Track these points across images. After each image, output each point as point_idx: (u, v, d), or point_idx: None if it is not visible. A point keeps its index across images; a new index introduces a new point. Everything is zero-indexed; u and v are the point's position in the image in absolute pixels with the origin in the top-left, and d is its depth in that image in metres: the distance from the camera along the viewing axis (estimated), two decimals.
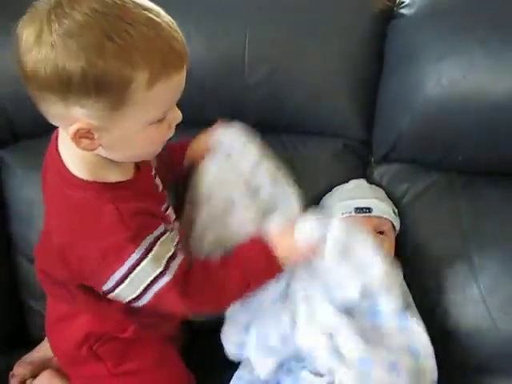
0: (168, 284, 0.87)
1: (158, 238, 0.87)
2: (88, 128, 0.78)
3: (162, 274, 0.86)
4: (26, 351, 1.17)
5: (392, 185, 1.26)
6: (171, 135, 0.88)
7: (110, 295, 0.88)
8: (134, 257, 0.84)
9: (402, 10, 1.25)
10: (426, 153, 1.24)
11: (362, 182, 1.23)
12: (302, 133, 1.26)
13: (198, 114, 1.24)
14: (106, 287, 0.87)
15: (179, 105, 0.87)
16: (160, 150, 0.90)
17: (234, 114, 1.24)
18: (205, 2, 1.24)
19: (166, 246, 0.88)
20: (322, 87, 1.24)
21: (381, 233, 1.14)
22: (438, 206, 1.23)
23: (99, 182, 0.86)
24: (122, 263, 0.84)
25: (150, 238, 0.85)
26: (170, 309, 0.92)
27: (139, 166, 0.93)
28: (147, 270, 0.85)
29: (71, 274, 0.89)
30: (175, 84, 0.81)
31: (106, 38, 0.73)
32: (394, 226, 1.17)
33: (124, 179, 0.89)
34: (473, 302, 1.17)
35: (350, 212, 1.14)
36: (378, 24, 1.26)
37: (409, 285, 1.15)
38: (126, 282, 0.85)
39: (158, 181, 1.00)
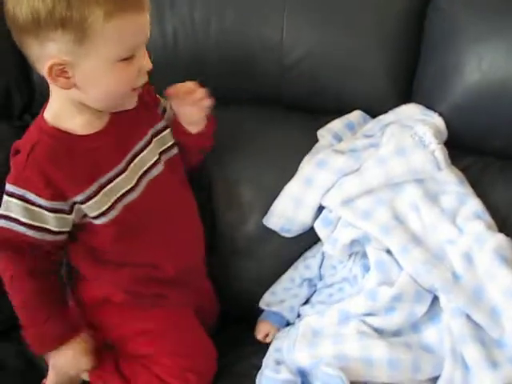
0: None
1: (29, 202, 0.96)
2: (61, 64, 0.89)
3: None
4: None
5: None
6: (143, 81, 0.96)
7: None
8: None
9: None
10: (462, 136, 1.23)
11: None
12: (338, 113, 1.27)
13: (233, 93, 1.29)
14: None
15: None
16: (133, 98, 0.98)
17: (270, 95, 1.28)
18: None
19: (26, 213, 0.96)
20: (358, 69, 1.25)
21: None
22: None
23: (56, 128, 0.97)
24: None
25: (24, 192, 0.96)
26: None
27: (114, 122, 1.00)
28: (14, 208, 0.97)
29: None
30: (134, 24, 0.90)
31: None
32: None
33: (85, 132, 0.98)
34: None
35: None
36: (417, 3, 1.25)
37: None
38: None
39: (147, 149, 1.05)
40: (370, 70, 1.25)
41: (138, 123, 1.05)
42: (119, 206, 1.01)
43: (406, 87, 1.27)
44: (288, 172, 1.20)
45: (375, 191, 1.09)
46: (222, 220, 1.23)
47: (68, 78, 0.91)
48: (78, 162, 0.97)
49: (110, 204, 1.00)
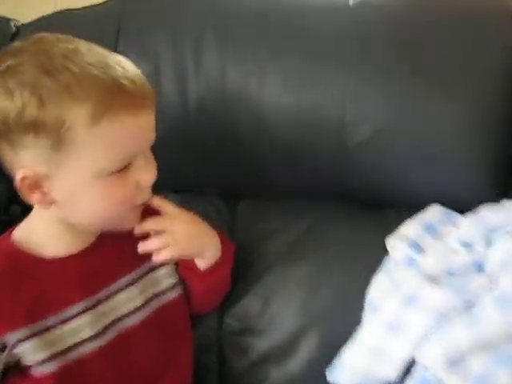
0: None
1: None
2: (34, 175, 0.74)
3: None
4: None
5: None
6: (145, 198, 0.80)
7: None
8: None
9: None
10: None
11: None
12: (415, 207, 0.98)
13: (286, 184, 1.04)
14: None
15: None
16: (131, 219, 0.81)
17: (330, 186, 1.02)
18: (295, 44, 0.99)
19: None
20: (440, 149, 0.97)
21: None
22: None
23: (18, 249, 0.80)
24: None
25: None
26: None
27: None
28: None
29: None
30: (127, 128, 0.74)
31: (43, 73, 0.71)
32: None
33: (55, 254, 0.80)
34: None
35: None
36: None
37: None
38: None
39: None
40: (458, 152, 0.96)
41: (129, 250, 0.83)
42: (68, 358, 0.78)
43: (504, 167, 0.99)
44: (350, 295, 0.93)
45: (494, 346, 0.79)
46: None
47: (44, 193, 0.75)
48: (24, 288, 0.78)
49: (53, 352, 0.78)
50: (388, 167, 0.99)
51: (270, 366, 0.95)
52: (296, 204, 1.03)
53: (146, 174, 0.78)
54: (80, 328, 0.79)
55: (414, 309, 0.82)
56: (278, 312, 0.96)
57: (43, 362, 0.77)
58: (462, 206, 0.97)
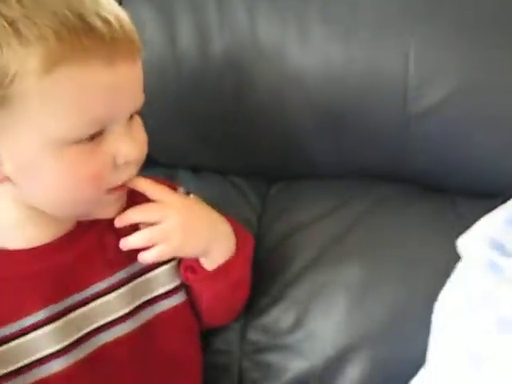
0: None
1: None
2: None
3: None
4: None
5: None
6: (125, 178, 0.64)
7: None
8: None
9: None
10: None
11: None
12: (493, 195, 0.82)
13: (330, 162, 0.88)
14: None
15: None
16: (110, 199, 0.64)
17: (386, 164, 0.86)
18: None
19: None
20: None
21: None
22: None
23: None
24: None
25: None
26: None
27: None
28: None
29: None
30: (98, 82, 0.58)
31: None
32: None
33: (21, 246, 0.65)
34: None
35: None
36: None
37: None
38: None
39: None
40: None
41: (113, 245, 0.69)
42: (26, 379, 0.65)
43: None
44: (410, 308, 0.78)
45: None
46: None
47: None
48: None
49: (5, 372, 0.64)
50: (460, 142, 0.81)
51: None
52: (341, 188, 0.87)
53: (126, 147, 0.61)
54: (42, 341, 0.65)
55: (509, 335, 0.62)
56: (315, 326, 0.79)
57: None
58: None
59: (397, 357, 0.73)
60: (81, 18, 0.57)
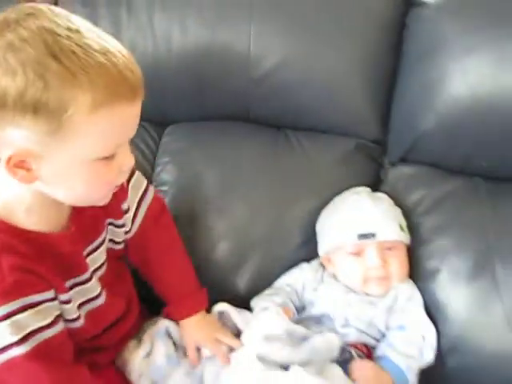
0: (23, 356, 0.78)
1: (33, 305, 0.79)
2: (23, 155, 0.73)
3: (16, 343, 0.77)
4: None
5: (408, 189, 1.15)
6: (123, 180, 0.84)
7: None
8: None
9: None
10: (447, 155, 1.13)
11: (364, 195, 1.10)
12: (309, 130, 1.16)
13: (198, 110, 1.19)
14: None
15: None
16: (108, 196, 0.84)
17: (236, 111, 1.17)
18: None
19: (38, 316, 0.79)
20: (332, 82, 1.14)
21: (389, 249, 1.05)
22: (459, 215, 1.11)
23: (6, 223, 0.79)
24: None
25: (23, 301, 0.77)
26: (29, 381, 0.82)
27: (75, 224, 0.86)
28: (3, 334, 0.77)
29: None
30: (124, 117, 0.74)
31: (49, 55, 0.69)
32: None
33: (41, 230, 0.82)
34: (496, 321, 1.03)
35: (354, 240, 1.04)
36: (396, 12, 1.14)
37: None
38: None
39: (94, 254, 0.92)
40: (343, 83, 1.14)
41: (98, 219, 0.92)
42: (88, 307, 0.91)
43: (385, 101, 1.17)
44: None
45: None
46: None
47: (30, 170, 0.74)
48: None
49: (82, 300, 0.89)
50: (288, 94, 1.15)
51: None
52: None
53: (128, 159, 0.79)
54: (94, 285, 0.90)
55: None
56: None
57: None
58: (346, 130, 1.16)
59: None
60: (119, 71, 0.71)
